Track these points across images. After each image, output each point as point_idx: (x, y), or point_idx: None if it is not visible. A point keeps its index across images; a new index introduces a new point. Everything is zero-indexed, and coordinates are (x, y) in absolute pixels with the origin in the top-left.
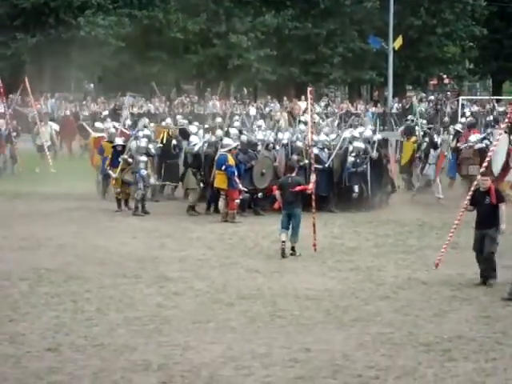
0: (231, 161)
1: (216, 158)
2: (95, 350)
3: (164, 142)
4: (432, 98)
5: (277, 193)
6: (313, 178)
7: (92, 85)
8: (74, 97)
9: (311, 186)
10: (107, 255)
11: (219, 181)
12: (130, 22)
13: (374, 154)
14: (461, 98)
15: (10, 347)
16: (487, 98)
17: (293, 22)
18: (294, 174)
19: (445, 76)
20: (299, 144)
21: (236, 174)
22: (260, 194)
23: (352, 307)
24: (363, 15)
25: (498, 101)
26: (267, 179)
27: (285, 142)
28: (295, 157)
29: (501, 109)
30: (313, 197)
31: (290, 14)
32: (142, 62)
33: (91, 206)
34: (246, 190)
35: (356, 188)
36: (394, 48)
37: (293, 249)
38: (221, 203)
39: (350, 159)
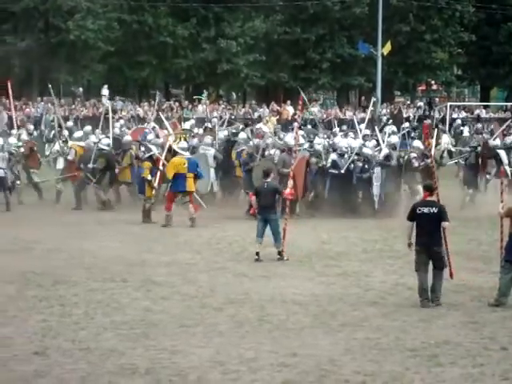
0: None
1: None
2: (82, 354)
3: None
4: (421, 104)
5: (253, 199)
6: (290, 183)
7: (81, 89)
8: (63, 101)
9: (288, 191)
10: (95, 259)
11: (190, 184)
12: (120, 26)
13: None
14: (449, 103)
15: None
16: (475, 104)
17: (282, 27)
18: (269, 180)
19: (433, 82)
20: (318, 147)
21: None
22: None
23: (339, 312)
24: (352, 21)
25: (485, 107)
26: None
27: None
28: (314, 159)
29: (487, 115)
30: (287, 202)
31: (279, 19)
32: (131, 66)
33: (78, 211)
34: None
35: (361, 194)
36: (382, 54)
37: (279, 253)
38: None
39: (358, 165)
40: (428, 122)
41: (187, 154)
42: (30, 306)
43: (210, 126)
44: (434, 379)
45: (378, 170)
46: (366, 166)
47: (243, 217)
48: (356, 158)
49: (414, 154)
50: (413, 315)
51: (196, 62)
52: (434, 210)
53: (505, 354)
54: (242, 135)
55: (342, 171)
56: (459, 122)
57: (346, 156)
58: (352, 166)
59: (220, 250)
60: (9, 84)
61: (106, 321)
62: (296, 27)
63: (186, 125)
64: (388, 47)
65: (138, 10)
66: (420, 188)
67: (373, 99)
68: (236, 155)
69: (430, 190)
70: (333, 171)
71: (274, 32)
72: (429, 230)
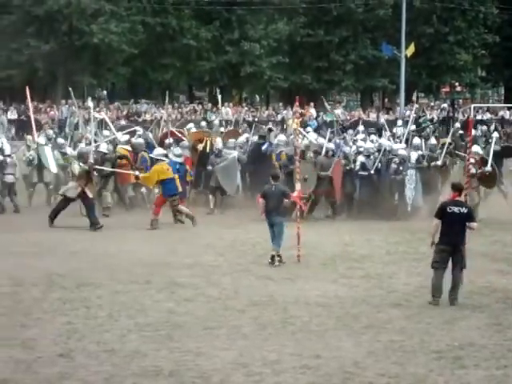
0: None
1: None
2: (107, 356)
3: (207, 149)
4: (445, 105)
5: (260, 201)
6: (298, 186)
7: (105, 92)
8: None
9: (296, 194)
10: (118, 261)
11: (179, 185)
12: (143, 29)
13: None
14: (472, 105)
15: (22, 352)
16: (499, 105)
17: (305, 30)
18: (277, 183)
19: (457, 84)
20: (346, 149)
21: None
22: (304, 202)
23: (363, 314)
24: (375, 23)
25: (509, 108)
26: (310, 185)
27: (347, 150)
28: (343, 161)
29: None
30: (297, 206)
31: (302, 22)
32: (154, 68)
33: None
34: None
35: (396, 195)
36: (406, 55)
37: (272, 257)
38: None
39: (393, 166)
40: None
41: (164, 158)
42: (55, 308)
43: (223, 130)
44: (457, 381)
45: (411, 171)
46: (401, 168)
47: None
48: (390, 157)
49: (472, 160)
50: (437, 317)
51: (219, 64)
52: (464, 210)
53: None
54: (281, 137)
55: (372, 171)
56: (458, 125)
57: (372, 157)
58: (380, 165)
59: (243, 252)
60: (27, 90)
61: (130, 323)
62: (319, 29)
63: (190, 126)
64: (411, 49)
65: (161, 12)
66: (476, 195)
67: (415, 105)
68: (275, 157)
69: (459, 190)
70: (362, 173)
71: (297, 34)
72: (456, 230)
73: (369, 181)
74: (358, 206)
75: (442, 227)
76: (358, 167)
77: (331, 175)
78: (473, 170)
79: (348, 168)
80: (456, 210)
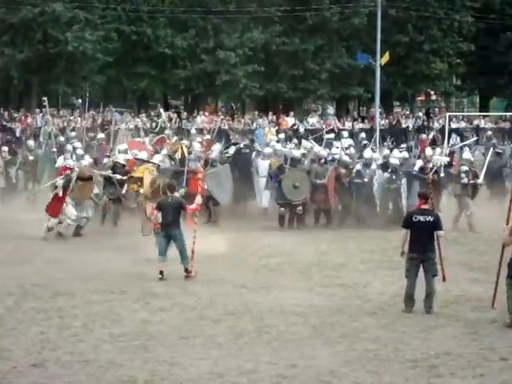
0: None
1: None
2: (81, 366)
3: (185, 155)
4: (420, 114)
5: (155, 213)
6: (198, 199)
7: (80, 100)
8: (62, 112)
9: (194, 206)
10: (94, 271)
11: None
12: (118, 37)
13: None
14: (447, 113)
15: None
16: (474, 114)
17: (280, 38)
18: (175, 194)
19: (432, 92)
20: (346, 158)
21: None
22: (299, 209)
23: (339, 323)
24: (351, 31)
25: (484, 117)
26: (303, 192)
27: (336, 156)
28: (343, 171)
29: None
30: (195, 219)
31: (277, 30)
32: (129, 76)
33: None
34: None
35: (391, 205)
36: (380, 64)
37: (186, 271)
38: None
39: (386, 175)
40: (424, 136)
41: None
42: (29, 318)
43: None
44: None
45: (404, 180)
46: (394, 177)
47: (246, 228)
48: (380, 167)
49: (465, 168)
50: (412, 326)
51: (195, 72)
52: (430, 218)
53: (504, 365)
54: (268, 150)
55: (366, 179)
56: (363, 135)
57: (374, 165)
58: (376, 174)
59: (219, 262)
60: None
61: (105, 333)
62: (295, 38)
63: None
64: (386, 57)
65: (136, 20)
66: (469, 201)
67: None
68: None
69: (425, 198)
70: (357, 181)
71: (272, 43)
72: (424, 238)
73: (363, 189)
74: (352, 214)
75: (410, 236)
76: (353, 175)
77: (326, 183)
78: (465, 180)
79: (348, 179)
80: (422, 218)
